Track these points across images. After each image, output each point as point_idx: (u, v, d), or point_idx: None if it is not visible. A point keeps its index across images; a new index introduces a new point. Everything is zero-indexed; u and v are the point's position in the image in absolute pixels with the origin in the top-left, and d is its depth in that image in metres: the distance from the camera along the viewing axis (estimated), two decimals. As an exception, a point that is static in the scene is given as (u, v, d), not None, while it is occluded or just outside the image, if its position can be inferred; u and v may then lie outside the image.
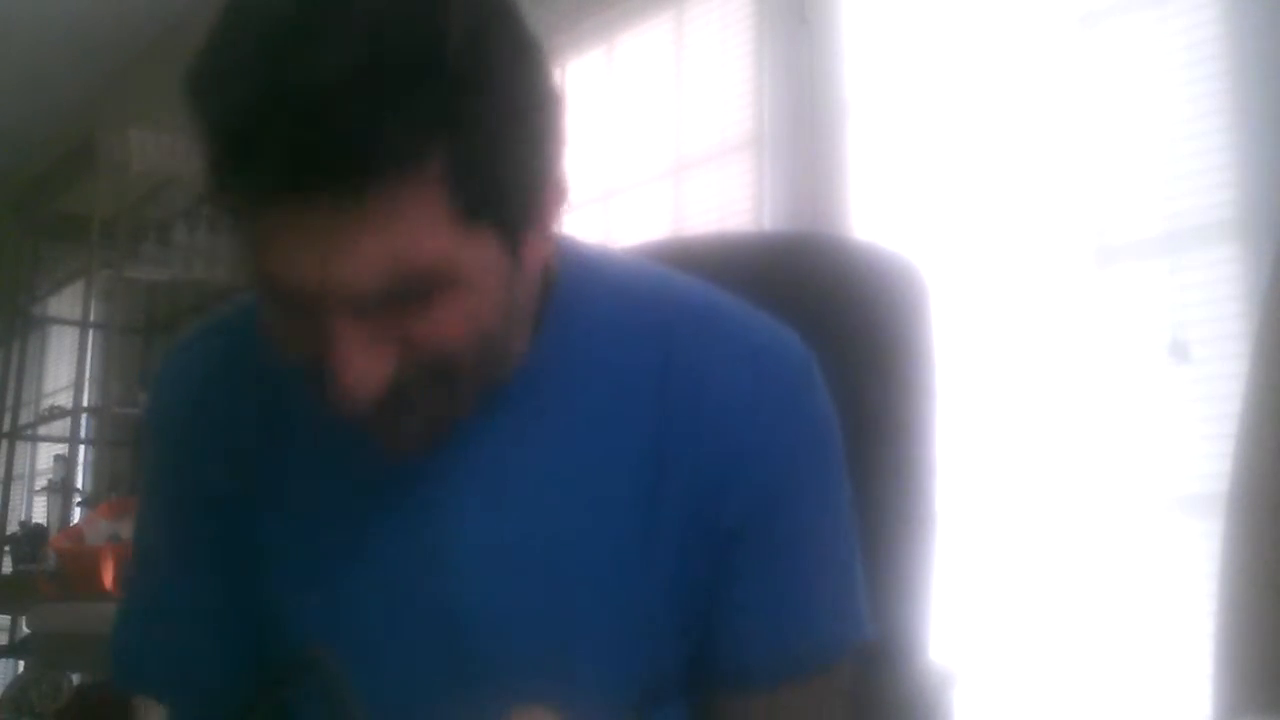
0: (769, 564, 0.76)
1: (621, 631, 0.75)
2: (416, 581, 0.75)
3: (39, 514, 4.63)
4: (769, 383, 0.76)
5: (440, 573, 0.75)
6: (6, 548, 4.10)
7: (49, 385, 5.51)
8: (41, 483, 4.53)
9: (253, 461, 0.80)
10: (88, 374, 4.20)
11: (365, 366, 0.63)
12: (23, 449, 5.14)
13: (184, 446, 0.83)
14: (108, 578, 2.80)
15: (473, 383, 0.69)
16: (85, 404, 4.05)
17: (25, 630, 3.54)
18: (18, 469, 4.98)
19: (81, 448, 4.14)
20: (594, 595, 0.74)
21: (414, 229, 0.61)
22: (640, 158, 2.66)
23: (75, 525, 3.40)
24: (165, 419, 0.84)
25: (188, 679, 0.83)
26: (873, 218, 2.17)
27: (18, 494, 5.06)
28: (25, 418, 4.85)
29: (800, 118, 2.31)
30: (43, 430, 4.63)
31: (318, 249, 0.61)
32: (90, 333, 4.15)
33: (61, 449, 4.28)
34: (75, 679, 3.15)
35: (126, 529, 2.94)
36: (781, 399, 0.76)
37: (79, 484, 4.13)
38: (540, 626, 0.74)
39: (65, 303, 5.16)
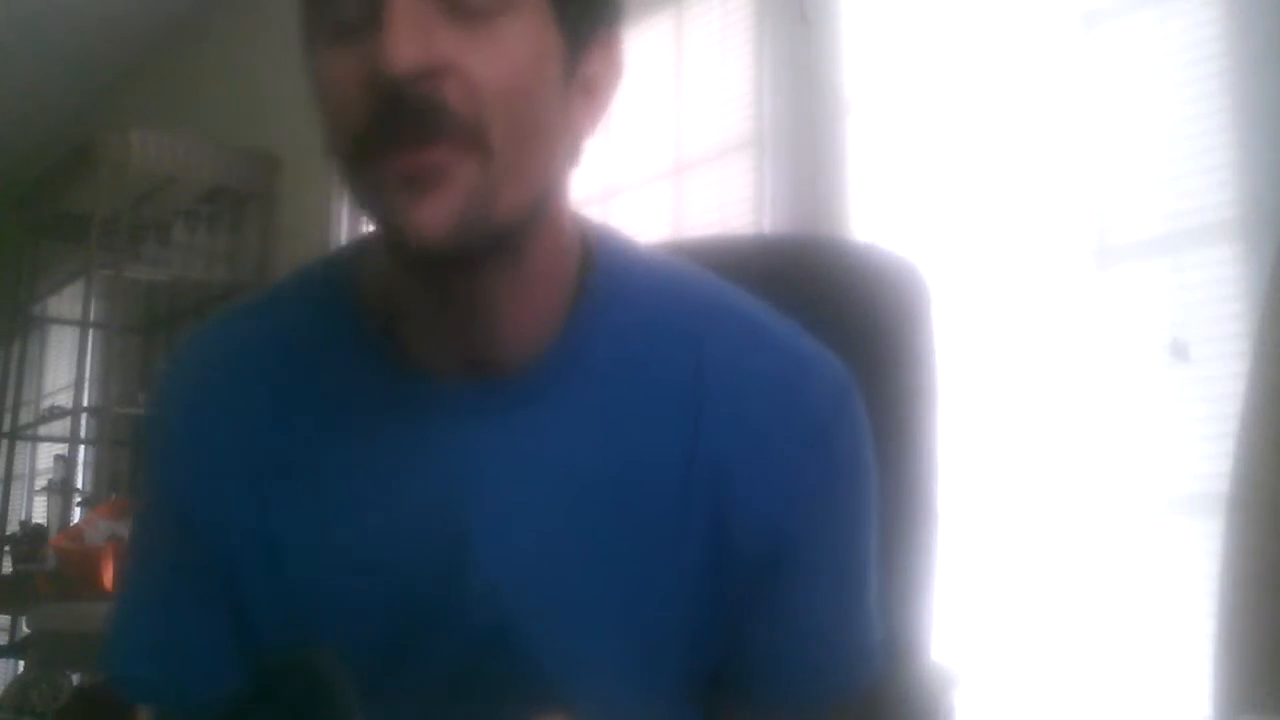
0: (797, 594, 0.75)
1: (636, 632, 0.74)
2: (438, 565, 0.73)
3: (39, 514, 4.63)
4: (805, 409, 0.74)
5: (463, 555, 0.72)
6: (6, 548, 4.10)
7: (49, 385, 5.51)
8: (41, 483, 4.52)
9: (266, 449, 0.77)
10: (88, 374, 4.19)
11: (415, 35, 0.62)
12: (23, 449, 5.14)
13: (189, 443, 0.79)
14: (108, 578, 2.80)
15: (506, 171, 0.66)
16: (85, 404, 4.05)
17: (25, 630, 3.54)
18: (18, 469, 4.98)
19: (81, 448, 4.13)
20: (614, 593, 0.73)
21: None
22: (640, 158, 2.66)
23: (75, 525, 3.40)
24: (170, 413, 0.82)
25: (182, 684, 0.81)
26: (873, 218, 2.17)
27: (18, 494, 5.05)
28: (25, 418, 4.85)
29: (800, 118, 2.31)
30: (43, 430, 4.63)
31: None
32: (90, 333, 4.14)
33: (61, 449, 4.28)
34: (75, 679, 3.15)
35: (126, 529, 2.94)
36: (817, 427, 0.74)
37: (79, 484, 4.12)
38: (556, 618, 0.73)
39: (65, 303, 5.16)
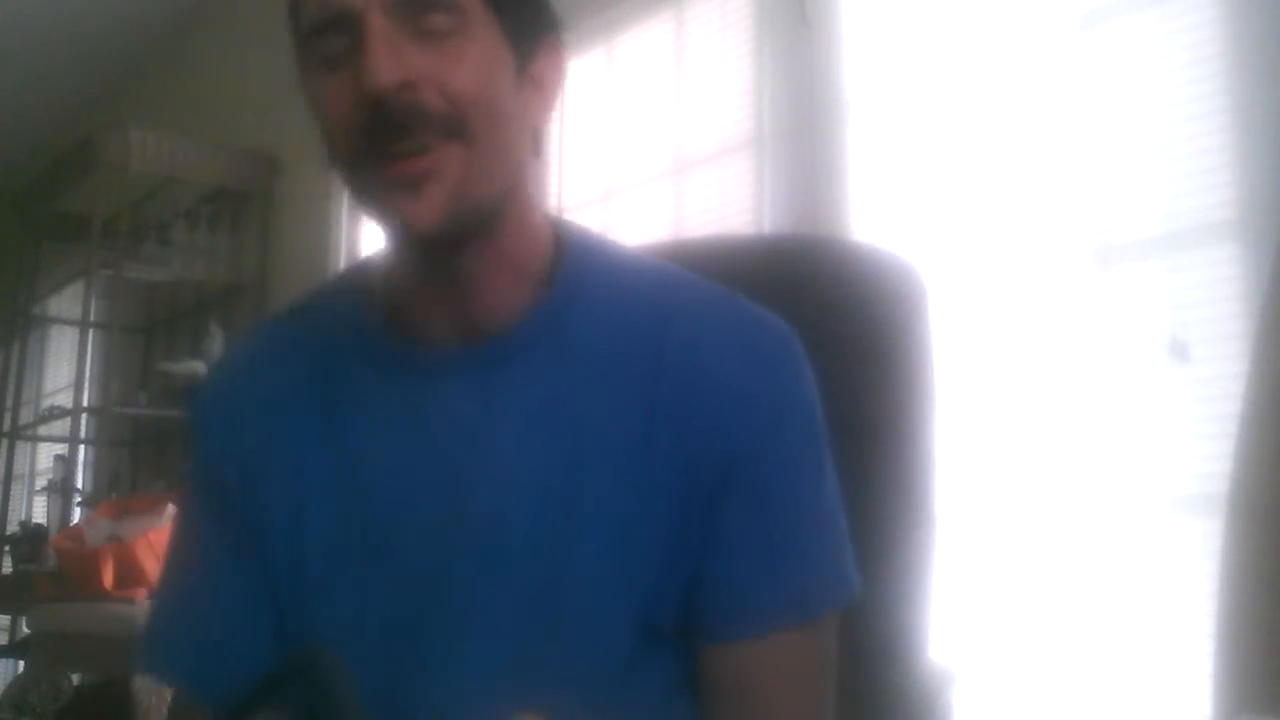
0: (757, 512, 0.82)
1: (623, 563, 0.81)
2: (445, 496, 0.83)
3: (39, 514, 4.63)
4: (753, 348, 0.84)
5: (467, 493, 0.83)
6: (6, 548, 4.10)
7: (49, 385, 5.52)
8: (41, 483, 4.53)
9: (295, 427, 0.89)
10: (88, 374, 4.20)
11: (391, 55, 0.75)
12: (23, 449, 5.14)
13: (221, 434, 0.92)
14: (108, 578, 2.80)
15: (484, 158, 0.78)
16: (85, 404, 4.05)
17: (25, 630, 3.54)
18: (18, 469, 4.99)
19: (81, 448, 4.14)
20: (600, 525, 0.81)
21: None
22: (640, 158, 2.66)
23: (75, 525, 3.40)
24: (210, 408, 0.94)
25: (215, 672, 0.86)
26: (872, 218, 2.17)
27: (18, 494, 5.06)
28: (25, 418, 4.85)
29: (800, 118, 2.31)
30: (43, 430, 4.63)
31: None
32: (90, 333, 4.15)
33: (61, 449, 4.28)
34: (75, 679, 3.15)
35: (126, 529, 2.94)
36: (764, 361, 0.84)
37: (79, 484, 4.13)
38: (553, 548, 0.81)
39: (65, 303, 5.16)
